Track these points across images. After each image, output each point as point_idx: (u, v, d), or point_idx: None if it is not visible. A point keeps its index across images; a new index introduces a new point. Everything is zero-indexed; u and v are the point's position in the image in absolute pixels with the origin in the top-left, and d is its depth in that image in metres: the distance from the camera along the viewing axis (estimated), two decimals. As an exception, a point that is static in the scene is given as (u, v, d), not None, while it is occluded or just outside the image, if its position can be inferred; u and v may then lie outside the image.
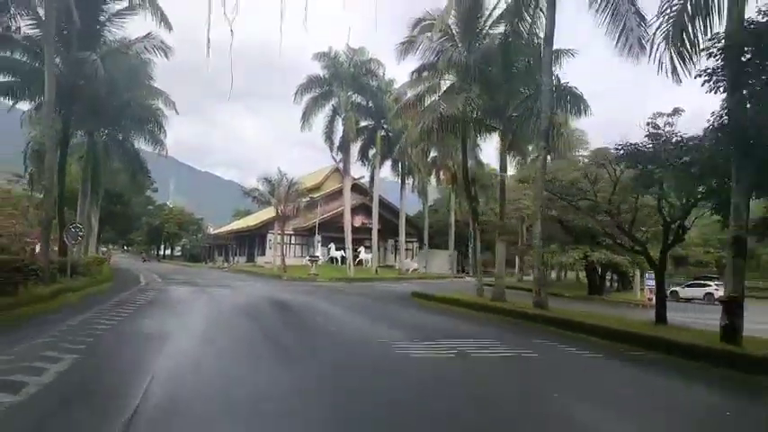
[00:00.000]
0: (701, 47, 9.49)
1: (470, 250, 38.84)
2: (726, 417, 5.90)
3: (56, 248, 19.22)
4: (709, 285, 30.94)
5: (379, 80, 35.47)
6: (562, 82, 15.57)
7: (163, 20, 17.61)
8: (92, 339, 8.12)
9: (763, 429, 5.61)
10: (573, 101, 15.83)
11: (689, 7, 9.20)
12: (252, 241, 53.01)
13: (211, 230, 71.02)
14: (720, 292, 29.98)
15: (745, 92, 8.92)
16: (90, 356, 6.95)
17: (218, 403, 5.12)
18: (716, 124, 9.12)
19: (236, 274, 37.75)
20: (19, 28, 17.47)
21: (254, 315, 13.04)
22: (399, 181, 41.28)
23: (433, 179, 41.22)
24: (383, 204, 45.39)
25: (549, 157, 15.95)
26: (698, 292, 31.42)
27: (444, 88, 18.17)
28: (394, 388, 6.15)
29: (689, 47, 9.73)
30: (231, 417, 4.62)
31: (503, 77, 16.22)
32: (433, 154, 32.71)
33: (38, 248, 17.65)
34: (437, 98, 17.28)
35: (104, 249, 52.69)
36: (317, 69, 34.87)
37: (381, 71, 35.02)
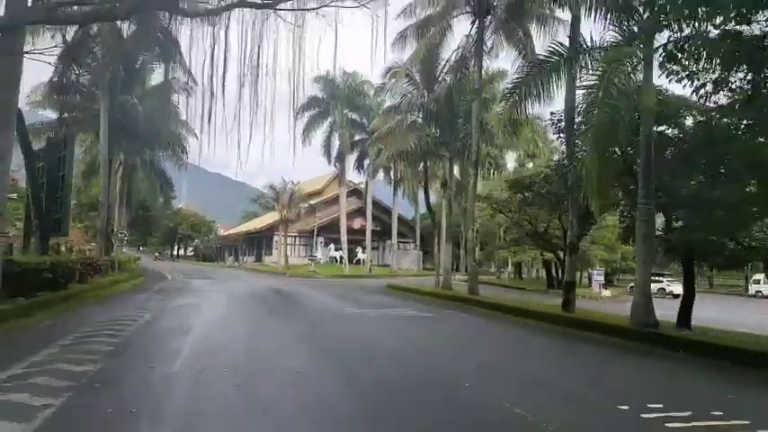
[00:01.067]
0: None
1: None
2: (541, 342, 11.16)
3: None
4: (662, 281, 35.78)
5: (371, 100, 40.79)
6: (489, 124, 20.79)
7: (189, 73, 23.06)
8: (155, 308, 13.54)
9: (552, 352, 10.51)
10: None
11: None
12: (260, 242, 58.75)
13: (222, 232, 76.97)
14: (671, 287, 35.07)
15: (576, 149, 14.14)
16: (158, 317, 12.29)
17: (231, 334, 10.38)
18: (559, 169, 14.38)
19: (245, 271, 43.36)
20: (78, 76, 23.01)
21: (259, 297, 18.43)
22: (392, 188, 46.49)
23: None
24: (381, 208, 50.73)
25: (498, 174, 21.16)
26: (653, 288, 36.32)
27: (409, 122, 23.48)
28: (337, 327, 11.51)
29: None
30: (238, 341, 9.79)
31: (449, 117, 21.50)
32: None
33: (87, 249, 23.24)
34: (398, 132, 22.60)
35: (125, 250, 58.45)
36: (316, 91, 40.30)
37: (372, 91, 40.28)
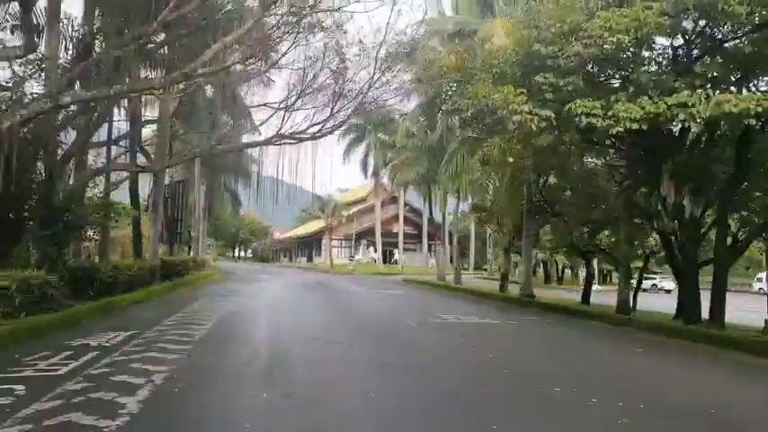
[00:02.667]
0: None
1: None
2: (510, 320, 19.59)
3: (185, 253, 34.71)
4: (655, 278, 42.50)
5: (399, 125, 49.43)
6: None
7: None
8: (241, 287, 22.82)
9: (526, 332, 18.99)
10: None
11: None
12: (310, 245, 68.76)
13: (277, 235, 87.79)
14: (663, 284, 41.93)
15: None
16: (244, 291, 21.51)
17: (286, 297, 19.39)
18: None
19: (297, 270, 53.07)
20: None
21: (304, 285, 27.48)
22: (423, 198, 54.90)
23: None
24: (418, 213, 59.25)
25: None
26: (647, 284, 43.26)
27: (414, 156, 32.01)
28: (350, 299, 20.32)
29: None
30: (289, 301, 18.79)
31: (440, 152, 29.87)
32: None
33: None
34: (407, 163, 31.19)
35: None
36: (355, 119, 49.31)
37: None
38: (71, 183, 13.10)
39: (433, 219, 48.10)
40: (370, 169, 51.60)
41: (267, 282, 28.55)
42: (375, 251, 56.36)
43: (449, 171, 24.77)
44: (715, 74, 9.28)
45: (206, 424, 4.85)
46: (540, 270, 45.07)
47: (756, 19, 8.52)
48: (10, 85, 10.52)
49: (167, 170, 25.23)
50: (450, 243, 34.46)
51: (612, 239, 19.09)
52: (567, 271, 47.53)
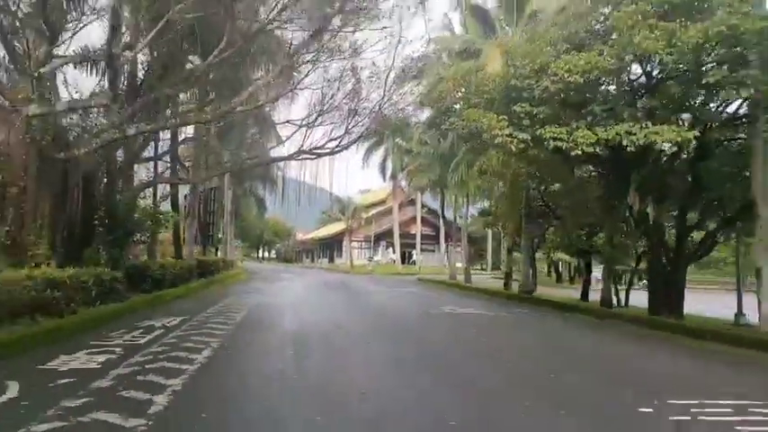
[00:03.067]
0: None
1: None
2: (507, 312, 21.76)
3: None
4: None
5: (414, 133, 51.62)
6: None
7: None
8: (266, 286, 25.32)
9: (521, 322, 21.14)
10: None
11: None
12: (331, 246, 71.33)
13: (300, 236, 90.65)
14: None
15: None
16: (269, 289, 24.00)
17: (308, 293, 21.78)
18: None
19: (319, 270, 55.59)
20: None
21: (325, 283, 29.87)
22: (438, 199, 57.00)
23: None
24: (436, 215, 61.28)
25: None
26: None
27: (427, 163, 34.15)
28: (365, 295, 22.62)
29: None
30: (311, 297, 21.19)
31: (449, 159, 31.95)
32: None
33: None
34: (420, 170, 33.37)
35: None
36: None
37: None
38: (125, 194, 15.63)
39: (449, 221, 50.15)
40: (389, 173, 53.85)
41: (289, 281, 31.04)
42: (393, 252, 58.57)
43: (455, 178, 26.92)
44: (653, 107, 11.29)
45: (248, 372, 7.17)
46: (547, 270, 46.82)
47: (682, 66, 10.51)
48: (81, 118, 13.07)
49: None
50: (460, 244, 36.44)
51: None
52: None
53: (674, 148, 10.63)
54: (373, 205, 64.87)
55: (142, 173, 20.76)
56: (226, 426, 4.93)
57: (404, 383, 6.77)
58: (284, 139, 22.45)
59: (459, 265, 59.18)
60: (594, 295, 20.49)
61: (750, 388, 7.17)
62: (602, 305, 17.16)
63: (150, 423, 4.66)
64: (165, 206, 21.65)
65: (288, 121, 21.53)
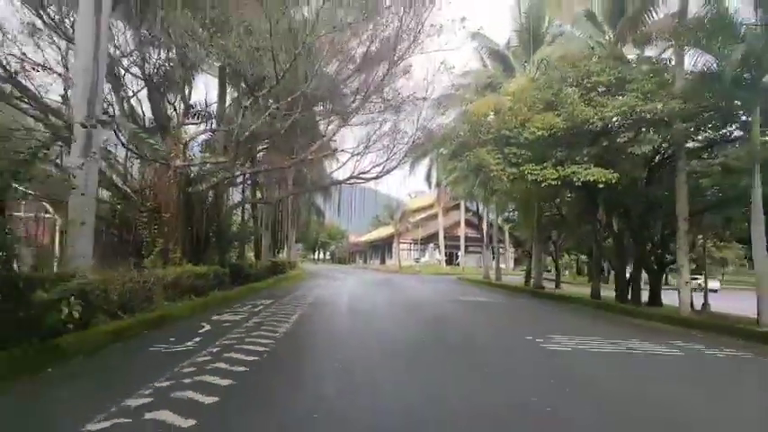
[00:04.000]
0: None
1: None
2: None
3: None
4: (698, 278, 47.04)
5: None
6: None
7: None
8: (326, 283, 31.12)
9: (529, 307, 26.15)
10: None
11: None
12: (382, 248, 77.11)
13: (353, 239, 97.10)
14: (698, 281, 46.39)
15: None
16: (329, 285, 29.75)
17: (359, 288, 27.34)
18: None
19: (370, 270, 61.35)
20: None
21: (374, 281, 35.41)
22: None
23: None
24: (479, 218, 66.12)
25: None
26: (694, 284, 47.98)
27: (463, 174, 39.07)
28: (405, 289, 28.00)
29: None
30: (362, 291, 26.72)
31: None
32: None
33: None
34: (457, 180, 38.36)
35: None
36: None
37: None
38: (224, 213, 21.63)
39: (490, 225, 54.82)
40: (434, 181, 58.95)
41: (342, 279, 36.83)
42: (439, 254, 63.66)
43: (481, 194, 31.86)
44: (593, 155, 16.09)
45: (320, 323, 12.64)
46: (576, 269, 50.62)
47: (609, 126, 15.28)
48: (197, 163, 19.06)
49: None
50: (491, 246, 41.13)
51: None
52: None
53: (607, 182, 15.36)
54: (421, 209, 70.15)
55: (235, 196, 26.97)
56: (312, 339, 10.43)
57: (406, 326, 12.10)
58: (340, 165, 28.02)
59: (503, 266, 63.79)
60: (607, 291, 25.06)
61: (612, 334, 12.04)
62: (591, 297, 21.82)
63: (279, 339, 10.17)
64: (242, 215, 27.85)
65: (342, 150, 27.12)
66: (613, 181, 15.01)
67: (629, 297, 18.68)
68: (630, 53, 19.32)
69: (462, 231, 61.16)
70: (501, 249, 69.53)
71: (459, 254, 64.38)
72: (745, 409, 6.75)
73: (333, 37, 14.98)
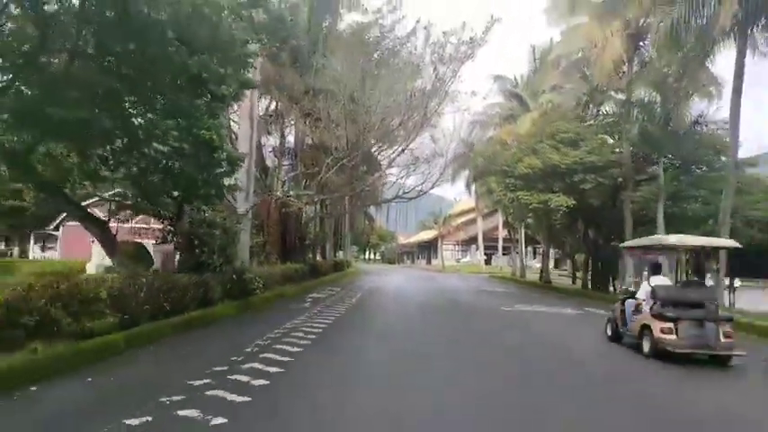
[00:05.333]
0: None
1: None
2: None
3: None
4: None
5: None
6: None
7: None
8: (378, 278, 39.05)
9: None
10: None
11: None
12: (428, 249, 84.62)
13: (401, 240, 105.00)
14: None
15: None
16: (381, 278, 37.63)
17: (404, 282, 35.08)
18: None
19: (416, 269, 69.05)
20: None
21: (419, 276, 43.04)
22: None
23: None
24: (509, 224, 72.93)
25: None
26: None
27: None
28: (442, 282, 35.59)
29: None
30: (407, 285, 34.42)
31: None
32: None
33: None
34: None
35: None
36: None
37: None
38: (304, 224, 29.78)
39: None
40: (473, 188, 66.04)
41: (390, 276, 44.69)
42: (479, 255, 70.63)
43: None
44: (560, 187, 23.23)
45: (375, 300, 20.46)
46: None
47: (572, 168, 22.42)
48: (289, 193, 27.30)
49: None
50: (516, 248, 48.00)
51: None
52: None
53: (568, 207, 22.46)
54: (464, 213, 77.22)
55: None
56: (371, 304, 18.26)
57: (430, 301, 19.73)
58: (388, 187, 35.84)
59: (538, 265, 70.25)
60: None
61: (556, 305, 19.21)
62: (583, 287, 28.72)
63: (352, 304, 18.00)
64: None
65: (390, 173, 35.01)
66: (572, 206, 22.14)
67: (599, 287, 25.67)
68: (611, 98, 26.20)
69: (500, 234, 67.88)
70: (540, 251, 76.29)
71: (496, 255, 71.11)
72: (584, 331, 14.04)
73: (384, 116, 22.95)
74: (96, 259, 19.69)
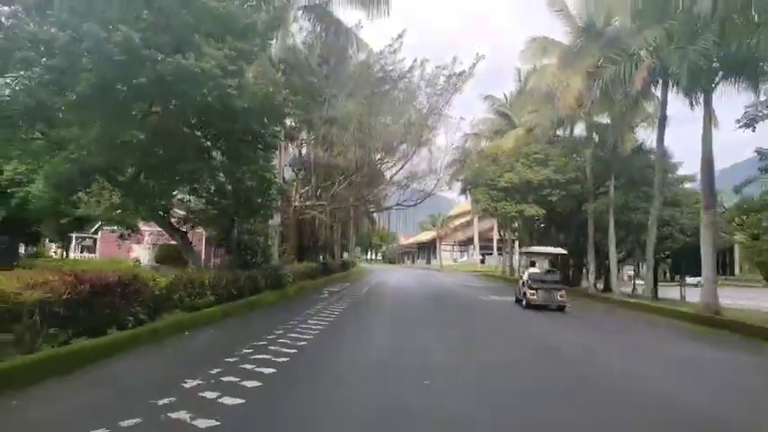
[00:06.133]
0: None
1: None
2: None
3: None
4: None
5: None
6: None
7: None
8: (381, 275, 43.75)
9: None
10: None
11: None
12: (427, 249, 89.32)
13: (402, 241, 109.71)
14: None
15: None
16: (383, 275, 42.33)
17: (403, 279, 39.77)
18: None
19: (416, 269, 73.72)
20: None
21: (417, 275, 47.69)
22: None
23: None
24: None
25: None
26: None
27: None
28: (434, 279, 40.24)
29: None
30: (405, 281, 39.12)
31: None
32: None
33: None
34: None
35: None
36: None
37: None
38: (317, 229, 34.44)
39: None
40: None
41: (392, 274, 49.34)
42: (476, 255, 75.33)
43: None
44: (533, 198, 27.86)
45: (380, 291, 25.16)
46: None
47: (537, 183, 27.04)
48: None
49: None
50: (505, 249, 52.62)
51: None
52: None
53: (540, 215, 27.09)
54: (461, 215, 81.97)
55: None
56: (379, 293, 22.97)
57: (424, 292, 24.41)
58: (389, 196, 40.52)
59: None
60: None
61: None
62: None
63: (363, 294, 22.68)
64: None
65: (390, 183, 39.69)
66: (542, 214, 26.79)
67: (570, 280, 30.32)
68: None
69: (495, 235, 72.56)
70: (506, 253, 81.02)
71: (489, 255, 75.81)
72: (554, 321, 18.70)
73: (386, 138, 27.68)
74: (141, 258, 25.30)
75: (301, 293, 21.40)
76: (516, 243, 48.79)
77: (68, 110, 11.57)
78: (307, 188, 31.29)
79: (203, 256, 24.43)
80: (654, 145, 23.90)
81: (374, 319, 15.22)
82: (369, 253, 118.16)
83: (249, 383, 6.66)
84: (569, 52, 23.73)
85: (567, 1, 25.11)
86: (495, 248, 72.73)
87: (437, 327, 13.66)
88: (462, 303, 21.32)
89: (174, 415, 5.31)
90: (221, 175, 15.45)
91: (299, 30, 24.66)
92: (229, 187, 15.80)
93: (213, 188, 15.86)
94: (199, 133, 13.65)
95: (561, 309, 18.48)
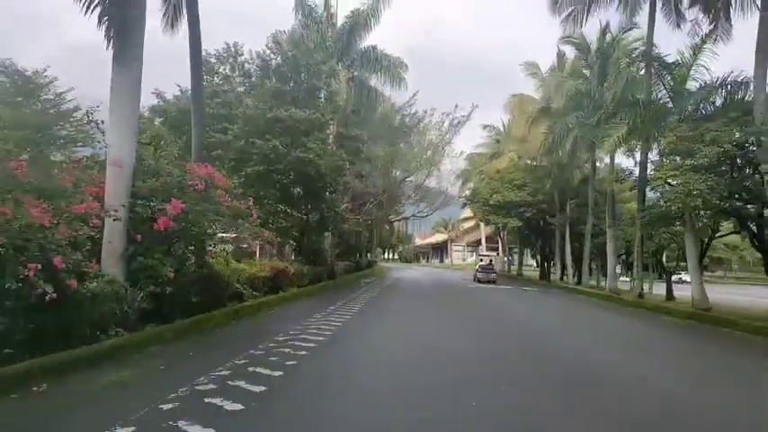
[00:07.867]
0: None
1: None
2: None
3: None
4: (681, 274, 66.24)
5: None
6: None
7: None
8: (398, 273, 53.72)
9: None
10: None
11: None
12: (441, 250, 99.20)
13: (418, 241, 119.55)
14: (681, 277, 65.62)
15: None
16: (401, 274, 52.27)
17: (418, 276, 49.65)
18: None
19: (430, 267, 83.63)
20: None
21: (429, 272, 57.50)
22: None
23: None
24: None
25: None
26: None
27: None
28: (440, 275, 50.15)
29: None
30: (420, 277, 48.98)
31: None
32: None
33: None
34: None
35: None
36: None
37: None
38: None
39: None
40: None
41: (409, 271, 59.19)
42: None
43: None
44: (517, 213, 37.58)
45: (400, 283, 35.10)
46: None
47: (518, 202, 36.69)
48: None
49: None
50: (503, 250, 62.29)
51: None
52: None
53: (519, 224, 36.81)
54: (470, 218, 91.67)
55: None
56: (400, 284, 32.98)
57: (433, 282, 34.33)
58: (401, 207, 50.48)
59: (531, 263, 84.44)
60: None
61: (509, 285, 33.65)
62: (561, 283, 43.10)
63: (389, 283, 32.64)
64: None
65: (404, 194, 49.72)
66: (519, 226, 36.52)
67: (545, 276, 39.98)
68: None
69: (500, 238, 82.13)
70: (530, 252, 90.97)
71: (494, 255, 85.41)
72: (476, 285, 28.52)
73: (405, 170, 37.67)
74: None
75: (347, 283, 31.40)
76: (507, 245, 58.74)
77: (239, 185, 21.75)
78: (346, 205, 41.41)
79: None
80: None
81: (400, 294, 25.58)
82: (386, 253, 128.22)
83: (339, 321, 16.57)
84: (534, 113, 33.57)
85: (538, 71, 35.22)
86: (500, 249, 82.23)
87: (433, 294, 24.38)
88: (452, 285, 32.05)
89: (284, 349, 15.36)
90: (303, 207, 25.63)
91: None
92: (305, 216, 25.96)
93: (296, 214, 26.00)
94: (299, 189, 23.76)
95: (493, 282, 34.74)
